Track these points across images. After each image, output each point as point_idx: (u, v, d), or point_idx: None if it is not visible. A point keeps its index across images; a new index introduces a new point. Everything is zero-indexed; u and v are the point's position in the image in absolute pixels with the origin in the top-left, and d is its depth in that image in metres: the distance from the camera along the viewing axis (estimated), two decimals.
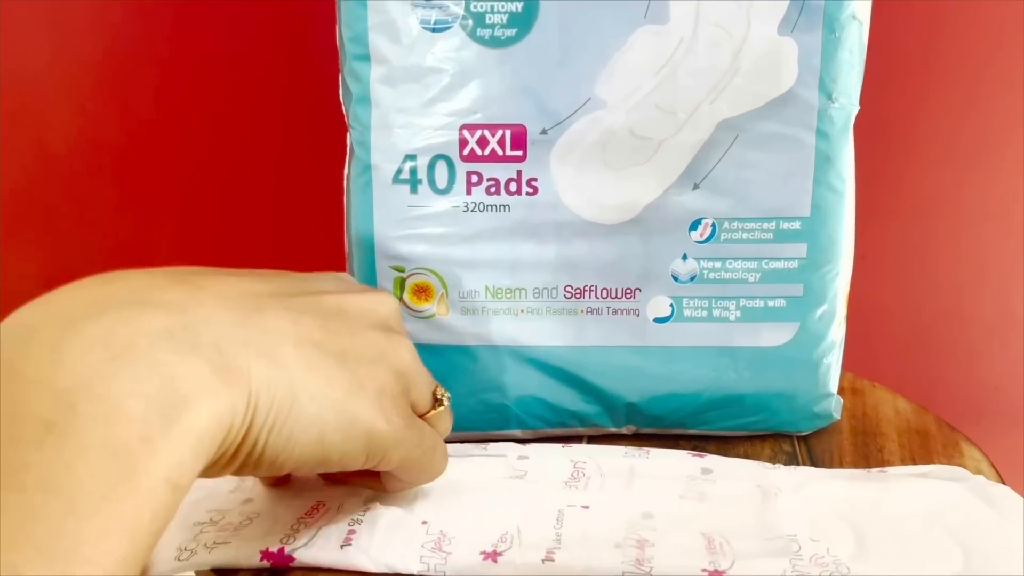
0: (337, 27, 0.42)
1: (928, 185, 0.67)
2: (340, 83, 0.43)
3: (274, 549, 0.33)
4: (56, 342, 0.22)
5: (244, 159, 0.70)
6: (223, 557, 0.34)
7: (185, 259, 0.77)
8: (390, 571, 0.33)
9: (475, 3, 0.39)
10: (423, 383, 0.33)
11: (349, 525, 0.35)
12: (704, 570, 0.32)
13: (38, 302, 0.24)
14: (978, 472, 0.41)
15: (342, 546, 0.33)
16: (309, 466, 0.29)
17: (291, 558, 0.33)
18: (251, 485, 0.39)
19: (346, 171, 0.44)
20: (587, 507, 0.36)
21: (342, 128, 0.43)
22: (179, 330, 0.24)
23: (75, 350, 0.22)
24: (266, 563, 0.33)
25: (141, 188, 0.71)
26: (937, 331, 0.71)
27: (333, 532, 0.34)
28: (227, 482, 0.39)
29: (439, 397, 0.35)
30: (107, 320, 0.23)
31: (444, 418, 0.35)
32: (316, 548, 0.33)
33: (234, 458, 0.26)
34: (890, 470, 0.41)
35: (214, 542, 0.34)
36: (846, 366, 0.47)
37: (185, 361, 0.24)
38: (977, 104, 0.65)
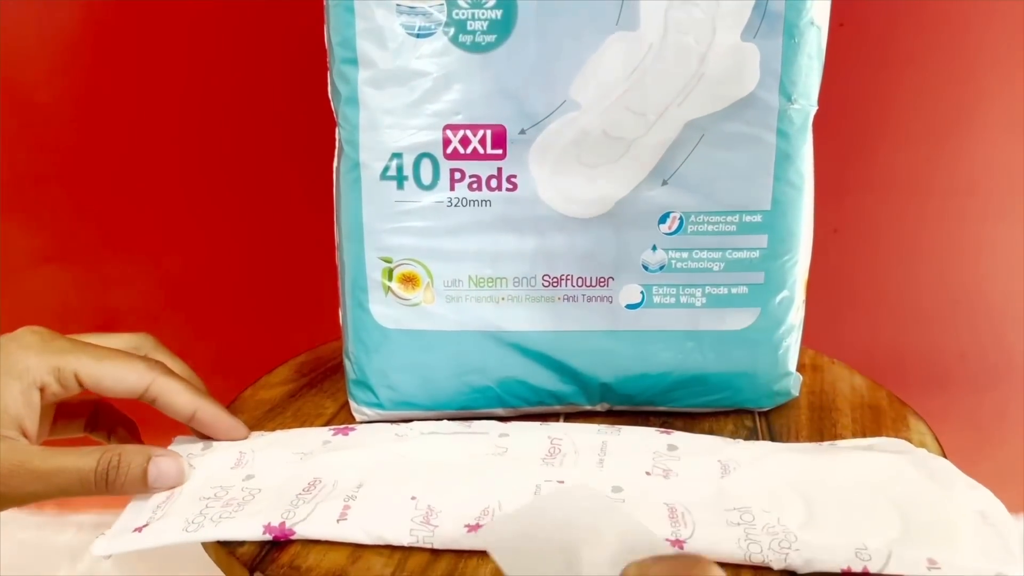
0: (325, 30, 0.44)
1: (901, 160, 0.70)
2: (329, 83, 0.45)
3: (275, 523, 0.37)
4: None
5: (236, 152, 0.72)
6: (228, 530, 0.37)
7: (179, 247, 0.79)
8: (382, 543, 0.36)
9: (457, 10, 0.42)
10: None
11: (344, 501, 0.38)
12: (667, 540, 0.35)
13: None
14: (922, 444, 0.44)
15: (338, 520, 0.37)
16: None
17: (291, 532, 0.36)
18: (251, 461, 0.42)
19: (335, 166, 0.46)
20: (562, 482, 0.39)
21: (330, 123, 0.46)
22: None
23: None
24: (268, 536, 0.36)
25: (136, 182, 0.73)
26: (906, 301, 0.74)
27: (330, 507, 0.37)
28: (228, 458, 0.42)
29: None
30: None
31: None
32: (315, 522, 0.37)
33: None
34: (839, 443, 0.44)
35: (219, 516, 0.37)
36: (815, 335, 0.49)
37: None
38: (948, 81, 0.67)
